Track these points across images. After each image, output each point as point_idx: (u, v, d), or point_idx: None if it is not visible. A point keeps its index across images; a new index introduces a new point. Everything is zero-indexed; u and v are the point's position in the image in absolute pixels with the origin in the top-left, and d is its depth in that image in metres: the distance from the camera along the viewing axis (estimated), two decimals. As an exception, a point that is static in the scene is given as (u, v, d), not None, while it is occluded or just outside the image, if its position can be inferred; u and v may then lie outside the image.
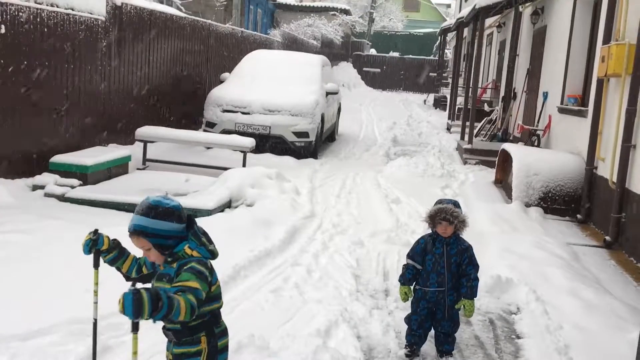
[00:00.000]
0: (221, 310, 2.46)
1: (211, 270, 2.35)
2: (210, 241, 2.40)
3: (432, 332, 3.96)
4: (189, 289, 2.12)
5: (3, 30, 6.36)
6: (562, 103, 9.41)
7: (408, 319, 3.96)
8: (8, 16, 6.42)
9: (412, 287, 3.94)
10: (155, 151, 9.58)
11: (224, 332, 2.50)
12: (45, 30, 7.04)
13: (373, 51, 39.51)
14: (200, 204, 6.51)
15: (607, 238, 6.73)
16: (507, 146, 9.12)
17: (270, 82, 10.72)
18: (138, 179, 7.77)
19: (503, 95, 14.08)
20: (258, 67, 11.29)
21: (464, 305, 3.78)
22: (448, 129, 16.76)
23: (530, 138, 10.49)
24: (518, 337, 4.43)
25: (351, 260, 5.54)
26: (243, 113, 10.09)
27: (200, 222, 6.08)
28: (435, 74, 29.09)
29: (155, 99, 10.12)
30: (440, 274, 3.81)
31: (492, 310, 4.88)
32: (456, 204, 3.96)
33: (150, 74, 9.89)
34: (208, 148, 9.86)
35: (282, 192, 7.38)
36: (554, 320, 4.45)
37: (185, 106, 11.21)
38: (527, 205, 7.97)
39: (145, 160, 8.81)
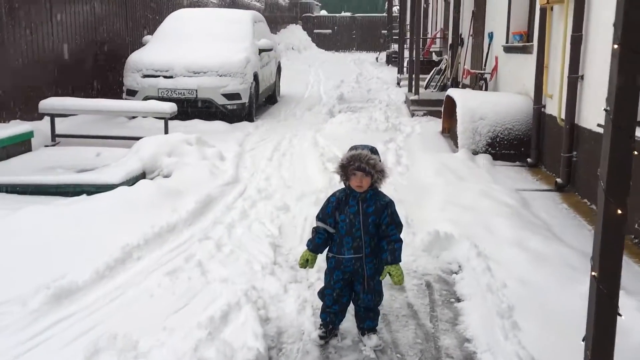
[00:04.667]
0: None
1: None
2: None
3: (352, 306, 3.32)
4: None
5: None
6: (507, 42, 8.79)
7: (321, 294, 3.30)
8: None
9: (325, 255, 3.27)
10: (70, 125, 8.68)
11: None
12: None
13: (324, 12, 38.38)
14: (103, 179, 5.71)
15: (559, 180, 6.18)
16: (451, 91, 8.49)
17: (196, 41, 9.82)
18: (41, 157, 6.89)
19: (450, 43, 13.43)
20: (182, 27, 10.35)
21: (389, 273, 3.13)
22: (398, 83, 16.14)
23: (478, 82, 9.89)
24: (458, 300, 3.83)
25: (272, 229, 4.85)
26: (165, 77, 9.19)
27: (95, 198, 5.37)
28: (386, 31, 28.34)
29: (70, 67, 9.15)
30: (355, 237, 3.13)
31: (430, 271, 4.27)
32: (373, 150, 3.25)
33: (63, 39, 8.89)
34: (131, 118, 8.99)
35: (204, 159, 6.61)
36: (497, 278, 3.85)
37: (107, 74, 10.24)
38: (475, 152, 7.39)
39: (54, 135, 7.91)
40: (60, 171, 6.33)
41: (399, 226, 3.19)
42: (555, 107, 6.53)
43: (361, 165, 3.08)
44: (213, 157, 6.78)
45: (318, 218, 3.26)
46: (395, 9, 33.32)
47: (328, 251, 3.26)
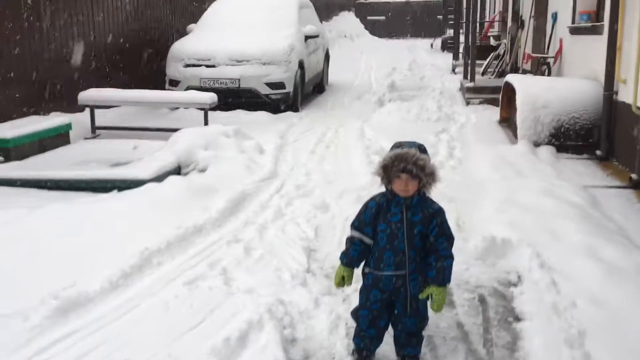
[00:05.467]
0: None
1: None
2: None
3: (391, 330, 2.84)
4: None
5: None
6: (573, 22, 8.01)
7: (355, 315, 2.83)
8: None
9: (361, 270, 2.81)
10: (112, 117, 8.49)
11: None
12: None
13: (377, -2, 37.54)
14: (134, 174, 5.40)
15: (634, 176, 5.48)
16: (511, 77, 7.81)
17: (239, 29, 9.45)
18: (77, 150, 6.67)
19: (510, 26, 12.60)
20: (226, 14, 10.00)
21: (430, 295, 2.64)
22: (453, 70, 15.39)
23: (540, 68, 9.14)
24: (517, 320, 3.30)
25: (308, 230, 4.41)
26: (208, 66, 8.87)
27: (119, 196, 5.06)
28: (441, 17, 27.38)
29: (114, 59, 8.97)
30: (398, 251, 2.65)
31: (484, 282, 3.74)
32: (422, 149, 2.77)
33: (106, 30, 8.71)
34: (174, 109, 8.74)
35: (242, 152, 6.24)
36: (565, 295, 3.29)
37: (152, 64, 10.03)
38: (536, 144, 6.72)
39: (94, 128, 7.71)
40: (93, 165, 6.09)
41: (449, 239, 2.69)
42: (629, 93, 5.81)
43: (407, 166, 2.59)
44: (251, 150, 6.40)
45: (353, 226, 2.79)
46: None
47: (364, 266, 2.79)
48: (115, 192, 5.20)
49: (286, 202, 5.01)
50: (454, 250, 2.75)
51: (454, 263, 2.73)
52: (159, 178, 5.53)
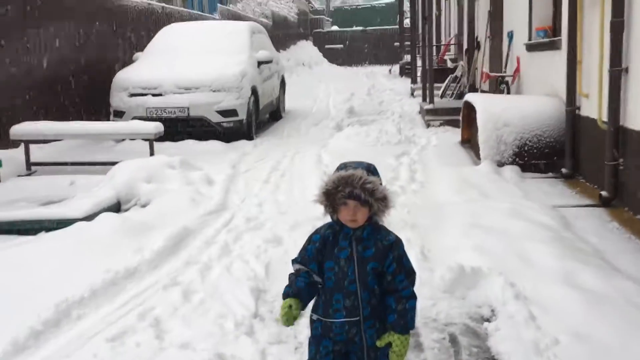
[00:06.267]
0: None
1: None
2: None
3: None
4: None
5: None
6: (530, 39, 7.85)
7: (304, 370, 2.38)
8: None
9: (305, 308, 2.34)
10: (51, 152, 7.91)
11: None
12: None
13: (335, 27, 37.75)
14: (64, 213, 4.87)
15: (604, 193, 5.20)
16: (471, 97, 7.57)
17: (188, 56, 9.02)
18: (7, 189, 6.09)
19: (466, 48, 12.52)
20: (174, 41, 9.57)
21: (391, 342, 2.21)
22: (412, 93, 15.27)
23: (499, 87, 8.96)
24: (493, 359, 2.89)
25: (257, 268, 3.95)
26: (154, 95, 8.39)
27: (45, 237, 4.53)
28: (398, 43, 27.51)
29: (52, 90, 8.42)
30: (349, 293, 2.20)
31: (455, 319, 3.33)
32: (371, 169, 2.32)
33: (43, 61, 8.18)
34: (119, 141, 8.20)
35: (188, 184, 5.76)
36: (545, 330, 2.91)
37: (94, 96, 9.49)
38: (500, 164, 6.44)
39: (29, 164, 7.12)
40: (22, 204, 5.53)
41: (410, 274, 2.26)
42: (593, 107, 5.58)
43: (354, 191, 2.16)
44: (199, 181, 5.93)
45: (296, 261, 2.34)
46: (407, 20, 32.61)
47: (312, 311, 2.34)
48: (43, 233, 4.67)
49: (234, 237, 4.54)
50: (419, 282, 2.33)
51: (419, 298, 2.31)
52: (93, 216, 5.00)
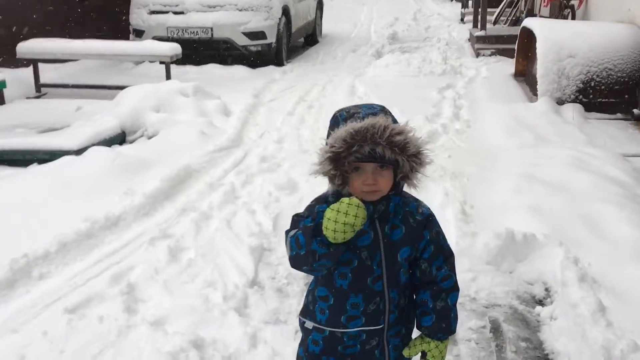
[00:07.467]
0: None
1: None
2: None
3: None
4: None
5: None
6: (605, -45, 6.72)
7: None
8: None
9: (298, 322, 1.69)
10: (66, 73, 7.37)
11: None
12: None
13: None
14: (58, 143, 4.33)
15: (688, 143, 4.34)
16: (529, 22, 6.57)
17: (213, -31, 8.16)
18: (9, 113, 5.58)
19: (526, -33, 11.21)
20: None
21: (423, 351, 1.57)
22: (462, 19, 14.09)
23: (562, 12, 7.86)
24: (546, 359, 2.24)
25: (265, 221, 3.33)
26: (175, 13, 7.65)
27: (27, 172, 3.90)
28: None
29: (68, 3, 7.77)
30: (373, 293, 1.53)
31: (499, 299, 2.67)
32: (388, 112, 1.57)
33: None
34: (138, 64, 7.58)
35: (201, 115, 5.12)
36: (621, 329, 2.22)
37: (112, 11, 8.79)
38: (560, 102, 5.56)
39: (39, 85, 6.59)
40: (20, 131, 5.01)
41: (448, 258, 1.57)
42: (683, 37, 4.61)
43: (376, 149, 1.44)
44: (214, 111, 5.29)
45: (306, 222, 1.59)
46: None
47: (305, 316, 1.65)
48: (35, 165, 4.15)
49: (243, 180, 3.91)
50: (456, 250, 1.65)
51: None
52: (95, 147, 4.42)
